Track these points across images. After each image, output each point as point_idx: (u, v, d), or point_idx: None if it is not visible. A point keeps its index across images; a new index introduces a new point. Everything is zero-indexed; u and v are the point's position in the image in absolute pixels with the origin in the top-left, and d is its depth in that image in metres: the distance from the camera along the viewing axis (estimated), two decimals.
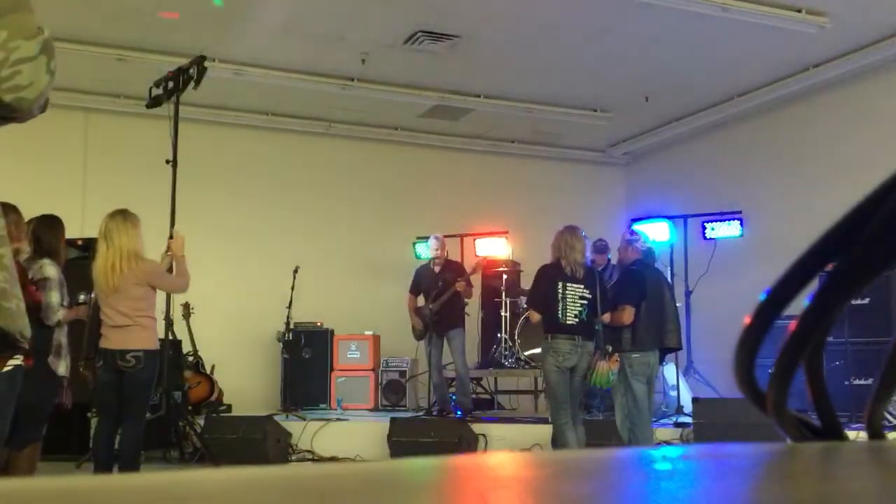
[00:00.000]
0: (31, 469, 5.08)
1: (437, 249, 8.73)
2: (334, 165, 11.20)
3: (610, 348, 6.11)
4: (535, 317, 6.51)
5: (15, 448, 4.99)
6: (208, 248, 9.59)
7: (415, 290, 8.76)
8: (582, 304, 6.13)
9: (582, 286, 6.14)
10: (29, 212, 5.50)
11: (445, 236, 9.03)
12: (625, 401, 6.21)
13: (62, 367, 5.17)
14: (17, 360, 3.39)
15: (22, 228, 4.94)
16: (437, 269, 8.68)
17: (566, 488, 0.42)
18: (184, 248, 5.70)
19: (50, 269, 5.11)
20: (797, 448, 0.54)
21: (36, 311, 4.79)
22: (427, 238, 9.34)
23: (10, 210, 4.78)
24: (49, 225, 5.29)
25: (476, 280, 9.06)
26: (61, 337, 5.19)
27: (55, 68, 1.65)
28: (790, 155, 9.87)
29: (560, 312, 6.11)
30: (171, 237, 6.04)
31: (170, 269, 5.67)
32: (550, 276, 6.22)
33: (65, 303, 5.19)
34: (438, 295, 8.44)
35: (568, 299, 6.11)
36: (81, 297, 5.81)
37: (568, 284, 6.12)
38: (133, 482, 0.41)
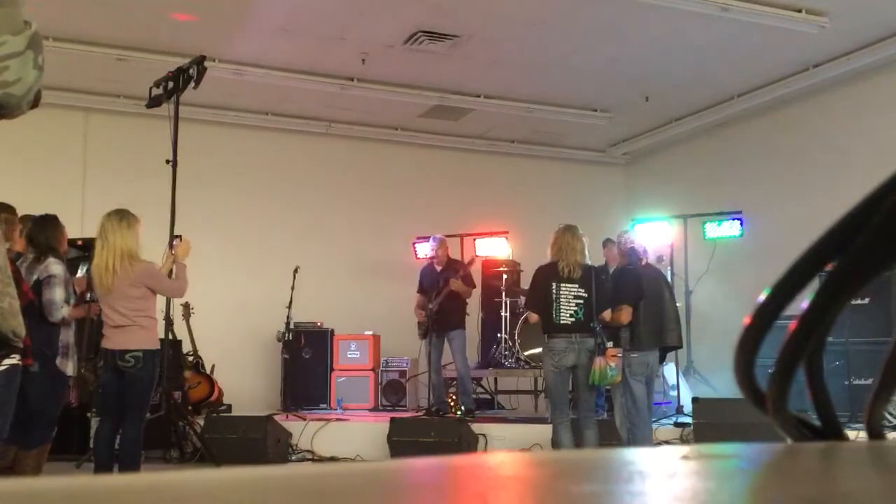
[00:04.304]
0: (37, 470, 5.08)
1: (433, 249, 8.78)
2: (334, 165, 11.20)
3: (605, 344, 6.10)
4: (533, 318, 6.62)
5: (23, 448, 5.01)
6: (208, 248, 9.58)
7: (420, 289, 8.80)
8: (577, 304, 6.14)
9: (576, 285, 6.15)
10: (29, 211, 5.52)
11: (446, 236, 9.05)
12: (624, 401, 6.22)
13: (70, 368, 5.19)
14: (14, 360, 3.38)
15: (15, 227, 4.92)
16: (438, 268, 8.71)
17: (566, 488, 0.42)
18: (188, 254, 5.68)
19: (55, 267, 5.13)
20: (797, 448, 0.54)
21: (32, 309, 4.79)
22: (427, 238, 9.34)
23: (2, 209, 4.77)
24: (40, 225, 5.28)
25: (476, 280, 9.06)
26: (68, 337, 5.20)
27: (43, 63, 1.63)
28: (790, 155, 9.87)
29: (554, 313, 6.13)
30: (177, 239, 6.03)
31: (170, 273, 5.66)
32: (545, 277, 6.25)
33: (70, 300, 5.20)
34: (438, 294, 8.47)
35: (562, 299, 6.14)
36: (88, 296, 5.82)
37: (562, 285, 6.14)
38: (133, 482, 0.41)
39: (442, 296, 8.43)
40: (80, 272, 6.33)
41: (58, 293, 5.06)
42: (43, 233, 5.23)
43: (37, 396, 4.83)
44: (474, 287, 8.94)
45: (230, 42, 8.61)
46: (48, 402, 5.03)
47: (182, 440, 7.22)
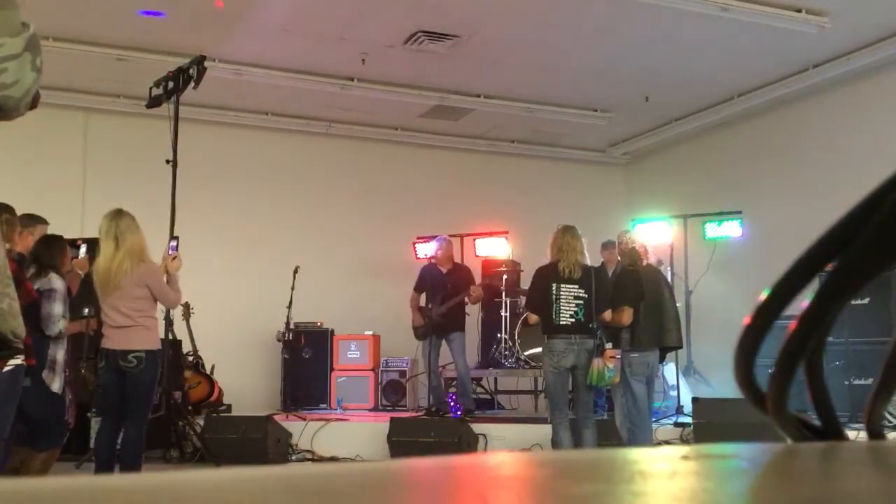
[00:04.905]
0: (43, 472, 5.07)
1: (437, 250, 8.77)
2: (334, 165, 11.20)
3: (605, 345, 6.10)
4: (533, 318, 6.62)
5: (33, 450, 5.02)
6: (208, 248, 9.60)
7: (419, 288, 8.77)
8: (577, 304, 6.14)
9: (576, 286, 6.15)
10: (29, 211, 5.52)
11: (448, 236, 9.07)
12: (624, 401, 6.22)
13: (56, 384, 5.11)
14: (18, 360, 3.38)
15: (15, 228, 4.91)
16: (444, 270, 8.69)
17: (566, 488, 0.42)
18: (178, 268, 5.67)
19: (57, 282, 5.16)
20: (797, 448, 0.54)
21: (35, 314, 4.79)
22: (427, 238, 9.33)
23: (2, 210, 4.77)
24: (46, 245, 5.33)
25: (476, 281, 9.08)
26: (57, 353, 5.16)
27: (41, 65, 1.63)
28: (790, 155, 9.87)
29: (554, 313, 6.13)
30: (175, 241, 6.04)
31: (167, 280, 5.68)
32: (544, 277, 6.25)
33: (66, 314, 5.20)
34: (447, 297, 8.46)
35: (562, 300, 6.13)
36: (86, 311, 5.84)
37: (562, 285, 6.14)
38: (133, 482, 0.41)
39: (454, 301, 8.46)
40: (81, 253, 6.33)
41: (56, 307, 5.08)
42: (48, 252, 5.28)
43: (34, 407, 4.83)
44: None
45: (230, 42, 8.61)
46: (42, 413, 5.02)
47: (182, 440, 7.21)
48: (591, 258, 6.55)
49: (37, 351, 4.93)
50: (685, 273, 9.22)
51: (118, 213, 5.34)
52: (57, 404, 5.16)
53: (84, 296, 5.80)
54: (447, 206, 10.92)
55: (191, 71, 6.83)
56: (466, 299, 8.70)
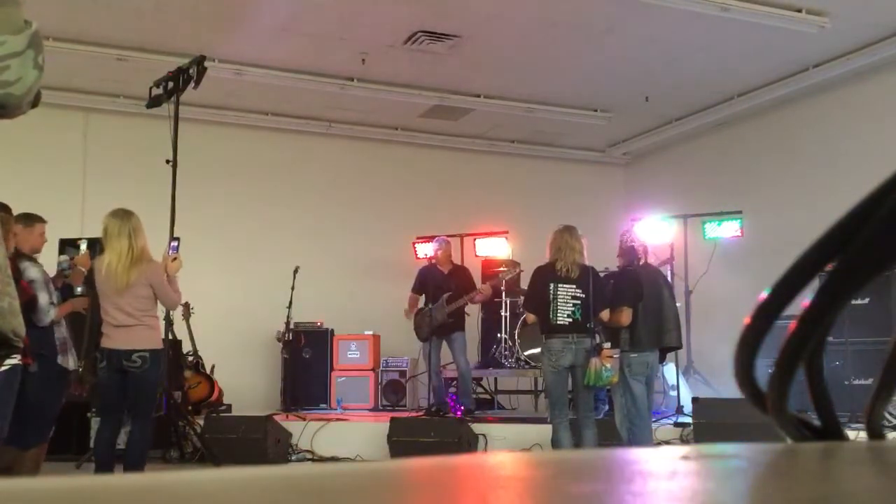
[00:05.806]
0: (35, 470, 5.06)
1: (437, 251, 8.77)
2: (334, 165, 11.20)
3: (602, 344, 6.09)
4: (531, 318, 6.64)
5: (21, 448, 4.98)
6: (208, 247, 9.60)
7: (419, 289, 8.76)
8: (575, 304, 6.14)
9: (574, 286, 6.15)
10: (28, 211, 5.51)
11: (447, 236, 9.07)
12: (624, 401, 6.22)
13: (71, 362, 5.17)
14: (14, 360, 3.36)
15: (11, 229, 4.85)
16: (445, 271, 8.68)
17: (566, 488, 0.42)
18: (178, 270, 5.65)
19: (33, 271, 5.00)
20: (797, 448, 0.54)
21: (30, 308, 4.78)
22: (427, 238, 9.32)
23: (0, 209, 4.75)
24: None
25: (476, 281, 9.08)
26: (63, 333, 5.17)
27: (43, 63, 1.62)
28: (790, 155, 9.87)
29: (552, 313, 6.13)
30: (176, 241, 6.04)
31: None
32: (542, 277, 6.25)
33: (54, 300, 5.13)
34: (453, 298, 8.46)
35: (559, 300, 6.13)
36: (79, 290, 5.81)
37: (559, 285, 6.14)
38: (133, 482, 0.41)
39: (467, 299, 8.48)
40: (82, 250, 6.31)
41: (42, 298, 5.00)
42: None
43: (36, 395, 4.82)
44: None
45: (230, 42, 8.60)
46: (46, 401, 5.01)
47: (182, 440, 7.21)
48: (594, 259, 6.54)
49: (44, 342, 4.93)
50: (685, 273, 9.22)
51: (128, 213, 5.34)
52: (59, 392, 5.14)
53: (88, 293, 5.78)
54: (447, 206, 10.92)
55: (191, 71, 6.84)
56: (473, 299, 8.71)
